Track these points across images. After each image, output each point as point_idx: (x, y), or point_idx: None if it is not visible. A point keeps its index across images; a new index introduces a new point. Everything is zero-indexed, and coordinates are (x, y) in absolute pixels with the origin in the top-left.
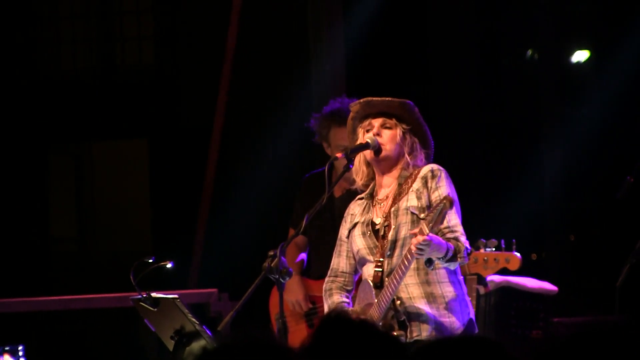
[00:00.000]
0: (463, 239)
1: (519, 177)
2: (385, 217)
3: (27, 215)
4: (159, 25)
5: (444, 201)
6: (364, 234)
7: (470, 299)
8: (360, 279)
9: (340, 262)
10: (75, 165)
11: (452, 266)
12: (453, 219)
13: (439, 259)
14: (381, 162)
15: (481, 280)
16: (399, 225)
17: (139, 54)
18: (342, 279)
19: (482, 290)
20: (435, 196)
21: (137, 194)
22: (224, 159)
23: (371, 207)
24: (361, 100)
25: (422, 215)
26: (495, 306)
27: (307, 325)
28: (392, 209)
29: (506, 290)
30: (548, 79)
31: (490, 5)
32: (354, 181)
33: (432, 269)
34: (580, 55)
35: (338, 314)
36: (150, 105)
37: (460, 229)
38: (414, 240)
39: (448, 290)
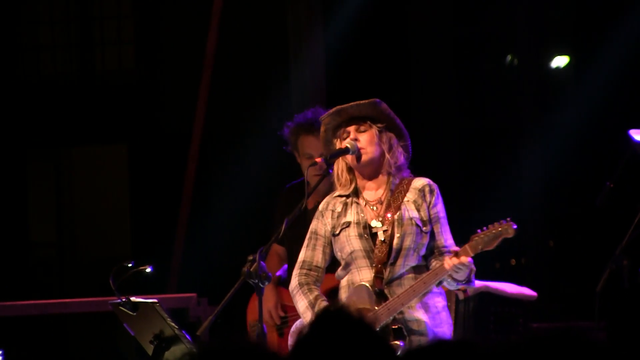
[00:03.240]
0: None
1: (498, 182)
2: (386, 222)
3: (6, 220)
4: (139, 30)
5: (505, 227)
6: (360, 235)
7: (449, 304)
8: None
9: (315, 255)
10: (55, 170)
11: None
12: (450, 238)
13: (457, 280)
14: (364, 167)
15: None
16: (404, 234)
17: (119, 59)
18: (316, 274)
19: (461, 295)
20: (434, 212)
21: (117, 199)
22: (203, 164)
23: (362, 208)
24: (331, 111)
25: (475, 238)
26: (475, 311)
27: (278, 335)
28: (396, 217)
29: (485, 296)
30: (528, 85)
31: (470, 10)
32: (326, 192)
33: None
34: (560, 61)
35: (339, 308)
36: (130, 111)
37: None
38: (454, 260)
39: (438, 301)
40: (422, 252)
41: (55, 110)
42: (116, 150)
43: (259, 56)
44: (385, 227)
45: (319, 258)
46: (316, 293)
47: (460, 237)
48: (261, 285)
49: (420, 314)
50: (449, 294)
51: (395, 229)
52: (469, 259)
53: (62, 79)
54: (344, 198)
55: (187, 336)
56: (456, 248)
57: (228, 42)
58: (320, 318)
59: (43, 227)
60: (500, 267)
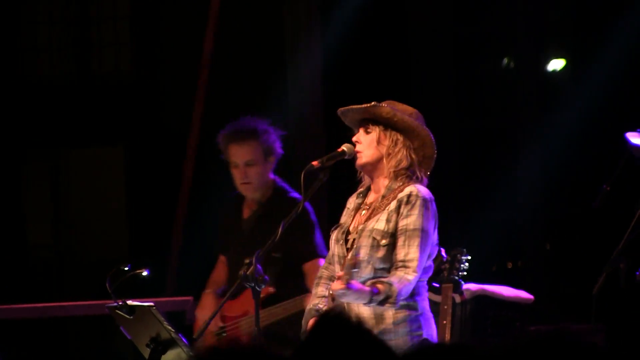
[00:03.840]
0: (411, 277)
1: (495, 185)
2: (356, 231)
3: (3, 222)
4: (136, 31)
5: (354, 261)
6: (337, 240)
7: (445, 307)
8: None
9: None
10: (51, 172)
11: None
12: (412, 252)
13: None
14: (364, 169)
15: (457, 288)
16: (360, 246)
17: (116, 60)
18: (333, 267)
19: (458, 298)
20: (403, 224)
21: (113, 201)
22: (200, 166)
23: (352, 212)
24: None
25: (346, 268)
26: (471, 315)
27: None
28: (361, 226)
29: (482, 299)
30: (524, 87)
31: (468, 12)
32: (259, 200)
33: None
34: (557, 64)
35: (338, 314)
36: (126, 112)
37: (415, 264)
38: (334, 286)
39: (395, 311)
40: (378, 265)
41: (52, 111)
42: (113, 151)
43: (257, 57)
44: (354, 236)
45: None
46: (319, 289)
47: (459, 237)
48: (258, 289)
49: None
50: (445, 297)
51: (358, 239)
52: (347, 285)
53: (59, 80)
54: (361, 197)
55: (184, 339)
56: (408, 265)
57: (225, 43)
58: (320, 323)
59: (40, 229)
60: (496, 270)
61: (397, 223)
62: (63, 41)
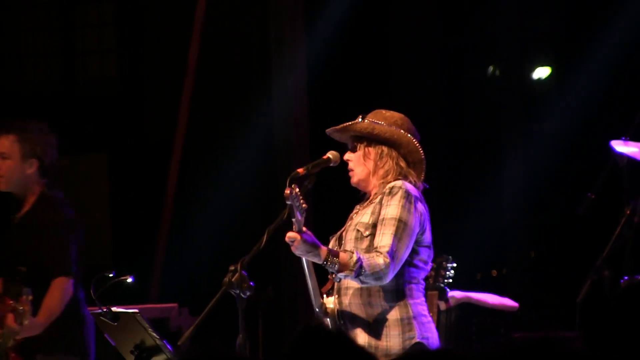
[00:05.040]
0: (381, 259)
1: (480, 193)
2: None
3: None
4: (121, 38)
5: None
6: (334, 245)
7: (431, 314)
8: None
9: None
10: None
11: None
12: (385, 239)
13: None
14: (359, 187)
15: (442, 295)
16: (347, 240)
17: (101, 67)
18: None
19: (442, 306)
20: (383, 213)
21: (98, 208)
22: (184, 173)
23: (352, 216)
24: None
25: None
26: (457, 322)
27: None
28: (348, 223)
29: (467, 306)
30: (510, 96)
31: (453, 21)
32: (28, 212)
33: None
34: (542, 72)
35: (317, 325)
36: (111, 119)
37: (385, 250)
38: (289, 233)
39: (391, 313)
40: None
41: (36, 118)
42: (97, 159)
43: (241, 65)
44: (344, 233)
45: None
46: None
47: (445, 245)
48: (242, 296)
49: (362, 315)
50: (430, 304)
51: (345, 235)
52: (301, 235)
53: (43, 87)
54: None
55: (168, 346)
56: (381, 251)
57: (210, 50)
58: (302, 334)
59: None
60: (481, 278)
61: (379, 214)
62: (47, 48)
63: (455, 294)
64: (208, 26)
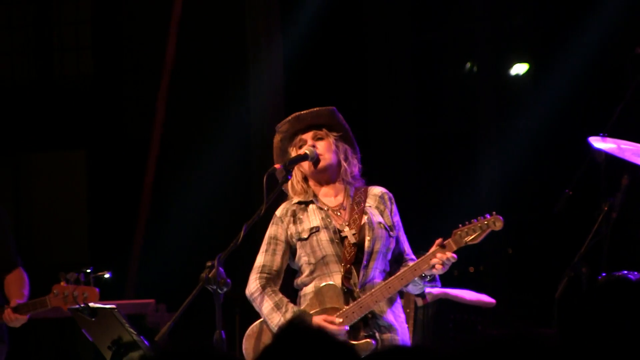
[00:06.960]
0: None
1: (455, 189)
2: (355, 226)
3: None
4: (98, 35)
5: (492, 220)
6: (332, 240)
7: (407, 310)
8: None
9: (275, 260)
10: (13, 175)
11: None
12: (407, 246)
13: (425, 280)
14: (322, 173)
15: None
16: (375, 238)
17: (78, 64)
18: (276, 278)
19: (420, 302)
20: (396, 220)
21: (75, 205)
22: (162, 170)
23: (328, 214)
24: (289, 118)
25: (457, 232)
26: (434, 318)
27: None
28: (365, 220)
29: (444, 303)
30: (487, 92)
31: (430, 17)
32: None
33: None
34: (519, 68)
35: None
36: (88, 116)
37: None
38: (440, 256)
39: (400, 310)
40: (389, 256)
41: (13, 115)
42: (75, 155)
43: (218, 63)
44: (354, 231)
45: (278, 262)
46: (281, 295)
47: (418, 243)
48: (219, 292)
49: (391, 319)
50: (407, 301)
51: (366, 232)
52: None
53: (20, 85)
54: (303, 205)
55: (146, 342)
56: (413, 257)
57: (187, 48)
58: (285, 331)
59: None
60: (458, 275)
61: (390, 218)
62: (24, 45)
63: (432, 290)
64: (185, 23)
